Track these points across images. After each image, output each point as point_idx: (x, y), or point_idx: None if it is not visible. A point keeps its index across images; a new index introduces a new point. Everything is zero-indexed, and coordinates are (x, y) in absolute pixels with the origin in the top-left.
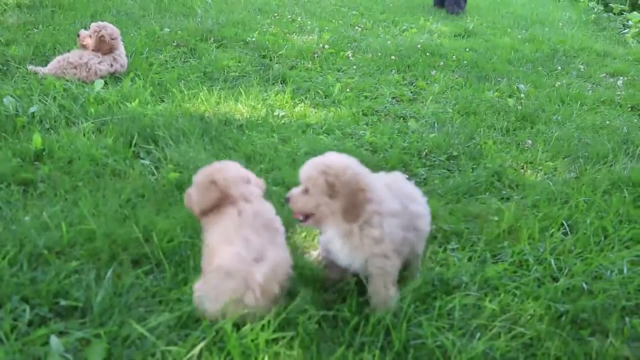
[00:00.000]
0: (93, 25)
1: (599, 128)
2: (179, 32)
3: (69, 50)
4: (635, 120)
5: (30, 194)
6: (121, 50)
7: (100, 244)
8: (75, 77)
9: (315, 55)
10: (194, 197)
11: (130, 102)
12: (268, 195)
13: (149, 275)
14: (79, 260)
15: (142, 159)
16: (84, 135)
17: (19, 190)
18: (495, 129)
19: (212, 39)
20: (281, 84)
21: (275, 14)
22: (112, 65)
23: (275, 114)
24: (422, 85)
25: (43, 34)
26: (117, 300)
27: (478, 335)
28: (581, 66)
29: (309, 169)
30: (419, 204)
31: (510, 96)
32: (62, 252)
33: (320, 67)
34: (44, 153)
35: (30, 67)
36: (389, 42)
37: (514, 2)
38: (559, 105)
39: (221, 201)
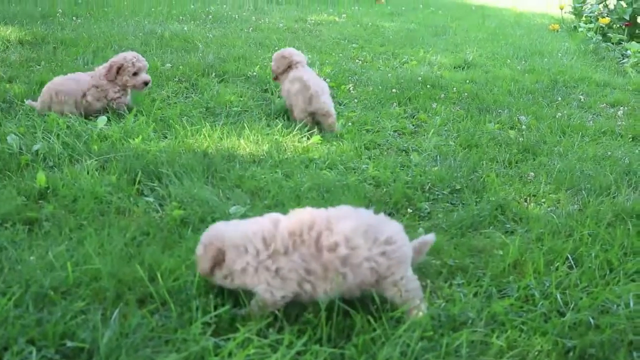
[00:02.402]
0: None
1: (600, 159)
2: (181, 67)
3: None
4: (637, 151)
5: (35, 233)
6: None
7: (106, 283)
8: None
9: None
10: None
11: (134, 139)
12: None
13: (154, 315)
14: (85, 301)
15: (146, 196)
16: (88, 172)
17: (23, 229)
18: (497, 162)
19: (214, 74)
20: (283, 118)
21: (276, 48)
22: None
23: (278, 149)
24: (423, 118)
25: (45, 70)
26: (123, 341)
27: None
28: (581, 96)
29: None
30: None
31: (511, 128)
32: (67, 292)
33: None
34: (48, 191)
35: None
36: (389, 74)
37: (512, 33)
38: (560, 137)
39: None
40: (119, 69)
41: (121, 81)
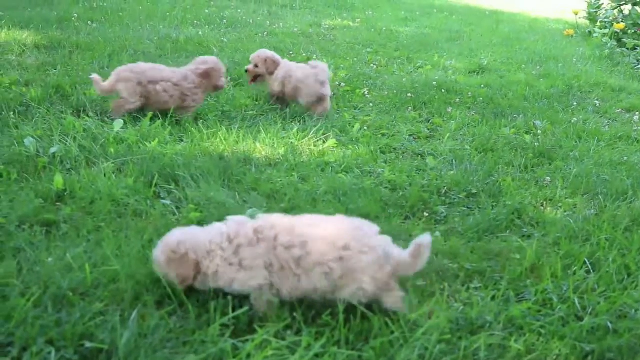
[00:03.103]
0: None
1: (617, 164)
2: None
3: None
4: None
5: (53, 235)
6: None
7: (124, 285)
8: None
9: (332, 93)
10: None
11: (150, 142)
12: None
13: (172, 316)
14: (104, 302)
15: (163, 199)
16: (105, 175)
17: (41, 231)
18: (513, 166)
19: (229, 77)
20: (298, 122)
21: (291, 52)
22: None
23: (294, 152)
24: (438, 122)
25: (61, 74)
26: (142, 342)
27: None
28: (597, 102)
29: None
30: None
31: (527, 132)
32: (86, 293)
33: (336, 105)
34: (65, 194)
35: None
36: (404, 79)
37: (527, 39)
38: (576, 142)
39: None
40: (210, 74)
41: (209, 85)
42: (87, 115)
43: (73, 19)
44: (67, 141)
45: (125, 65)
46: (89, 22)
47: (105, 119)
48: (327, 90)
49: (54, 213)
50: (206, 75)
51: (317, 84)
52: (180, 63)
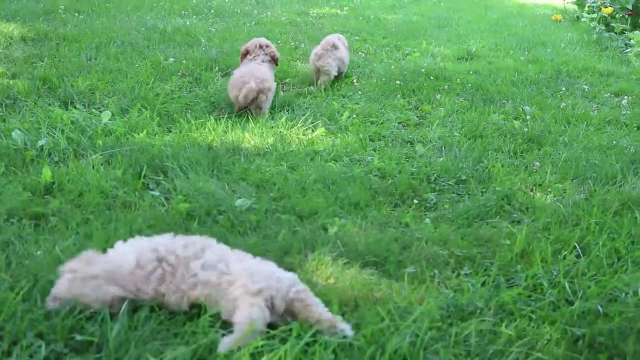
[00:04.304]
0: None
1: (606, 148)
2: (184, 61)
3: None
4: None
5: (42, 228)
6: None
7: None
8: None
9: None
10: None
11: (138, 133)
12: (278, 223)
13: (162, 308)
14: None
15: (152, 190)
16: (93, 167)
17: (30, 224)
18: (502, 152)
19: (217, 67)
20: (287, 111)
21: (279, 41)
22: None
23: (283, 141)
24: (427, 109)
25: (48, 66)
26: (132, 334)
27: None
28: (585, 86)
29: None
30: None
31: (516, 118)
32: None
33: (325, 93)
34: (53, 186)
35: None
36: (392, 66)
37: (515, 24)
38: (565, 126)
39: None
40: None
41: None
42: (75, 107)
43: (60, 10)
44: (54, 134)
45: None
46: (75, 13)
47: (93, 110)
48: (324, 62)
49: (43, 206)
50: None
51: (314, 56)
52: (168, 54)
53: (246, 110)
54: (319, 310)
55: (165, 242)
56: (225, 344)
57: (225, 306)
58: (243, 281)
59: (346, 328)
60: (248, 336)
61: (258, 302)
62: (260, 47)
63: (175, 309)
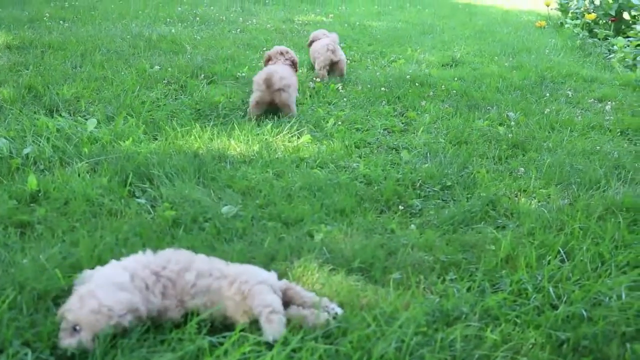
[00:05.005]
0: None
1: (589, 154)
2: (169, 69)
3: None
4: (625, 145)
5: (28, 236)
6: None
7: None
8: None
9: (307, 88)
10: None
11: (124, 141)
12: (264, 230)
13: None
14: None
15: (138, 197)
16: (79, 175)
17: (16, 232)
18: (487, 158)
19: (203, 75)
20: (273, 118)
21: (264, 48)
22: None
23: (268, 148)
24: (412, 115)
25: (34, 74)
26: (119, 341)
27: None
28: (569, 92)
29: None
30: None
31: (500, 124)
32: (60, 295)
33: (310, 100)
34: (39, 194)
35: None
36: (378, 73)
37: (500, 31)
38: (549, 132)
39: None
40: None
41: None
42: (60, 115)
43: (45, 18)
44: (40, 142)
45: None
46: (60, 21)
47: (79, 118)
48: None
49: (28, 214)
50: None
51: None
52: (154, 61)
53: (275, 112)
54: (309, 294)
55: (149, 260)
56: (270, 332)
57: (232, 306)
58: (243, 278)
59: (336, 306)
60: (277, 318)
61: (267, 288)
62: (281, 53)
63: (169, 320)
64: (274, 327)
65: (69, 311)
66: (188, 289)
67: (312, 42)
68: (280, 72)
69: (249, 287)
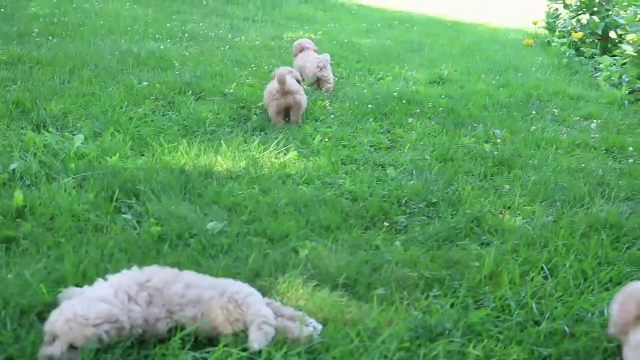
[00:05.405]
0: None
1: (574, 171)
2: (157, 85)
3: None
4: (610, 163)
5: (13, 252)
6: None
7: None
8: None
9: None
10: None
11: (111, 157)
12: (249, 246)
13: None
14: None
15: (124, 213)
16: (65, 191)
17: (1, 247)
18: (472, 175)
19: (190, 91)
20: (259, 135)
21: (253, 65)
22: None
23: (255, 165)
24: (399, 132)
25: (21, 90)
26: (102, 357)
27: None
28: (555, 110)
29: None
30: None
31: (486, 141)
32: (45, 311)
33: None
34: (25, 210)
35: None
36: (365, 90)
37: (487, 49)
38: (534, 150)
39: None
40: None
41: None
42: (48, 131)
43: (33, 34)
44: (27, 157)
45: None
46: (49, 37)
47: (66, 133)
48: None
49: (14, 229)
50: None
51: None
52: (142, 77)
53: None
54: (289, 309)
55: (133, 275)
56: (257, 340)
57: (222, 315)
58: (234, 289)
59: (315, 322)
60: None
61: (261, 300)
62: (290, 72)
63: (155, 334)
64: (262, 336)
65: (48, 322)
66: (177, 299)
67: (301, 49)
68: (289, 81)
69: (242, 297)
